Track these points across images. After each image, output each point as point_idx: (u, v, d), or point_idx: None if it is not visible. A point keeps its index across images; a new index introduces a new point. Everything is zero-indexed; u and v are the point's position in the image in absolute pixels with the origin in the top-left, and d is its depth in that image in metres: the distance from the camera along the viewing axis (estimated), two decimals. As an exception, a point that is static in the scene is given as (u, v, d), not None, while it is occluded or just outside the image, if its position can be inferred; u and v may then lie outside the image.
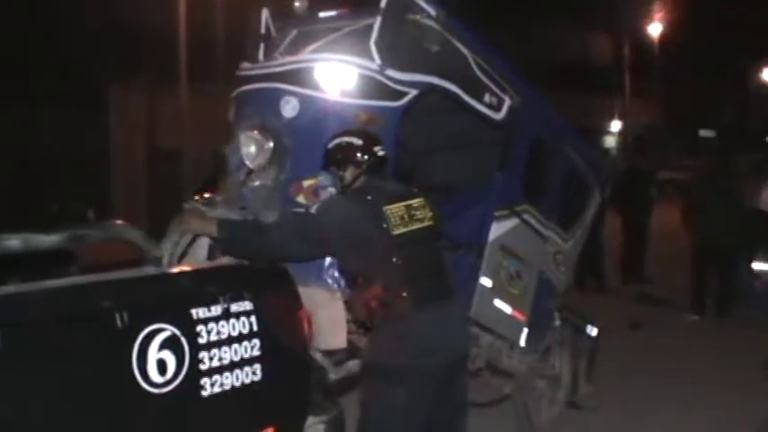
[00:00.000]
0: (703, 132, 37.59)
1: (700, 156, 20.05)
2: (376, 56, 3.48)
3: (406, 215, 3.10)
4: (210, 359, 2.86)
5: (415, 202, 3.17)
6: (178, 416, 2.77)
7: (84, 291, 2.76)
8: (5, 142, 13.73)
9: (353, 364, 3.50)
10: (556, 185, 4.77)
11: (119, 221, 3.24)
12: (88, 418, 2.53)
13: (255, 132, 3.56)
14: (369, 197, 3.11)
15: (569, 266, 5.11)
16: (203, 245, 3.61)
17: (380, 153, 3.25)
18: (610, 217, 9.19)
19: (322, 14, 4.04)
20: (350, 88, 3.51)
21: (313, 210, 3.22)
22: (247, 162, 3.59)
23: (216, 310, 2.91)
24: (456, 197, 4.26)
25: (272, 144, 3.53)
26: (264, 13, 4.00)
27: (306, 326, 3.29)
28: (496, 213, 4.19)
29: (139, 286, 2.91)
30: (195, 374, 2.80)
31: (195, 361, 2.80)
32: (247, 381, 2.98)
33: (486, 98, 3.96)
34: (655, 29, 31.25)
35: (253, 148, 3.56)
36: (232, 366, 2.93)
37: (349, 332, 3.47)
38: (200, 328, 2.84)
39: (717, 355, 6.49)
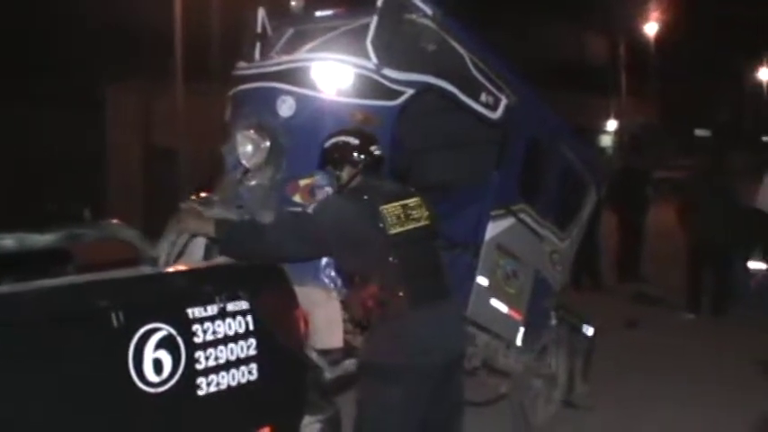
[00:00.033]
0: (699, 131, 37.73)
1: (695, 155, 20.13)
2: (372, 55, 3.48)
3: (402, 215, 3.09)
4: (207, 359, 2.85)
5: (412, 201, 3.17)
6: (174, 415, 2.77)
7: (80, 290, 2.76)
8: (5, 142, 13.70)
9: (350, 364, 3.49)
10: (552, 185, 4.78)
11: (114, 221, 3.21)
12: (84, 418, 2.52)
13: (252, 132, 3.55)
14: (365, 197, 3.10)
15: (565, 265, 5.12)
16: (200, 244, 3.60)
17: (377, 152, 3.25)
18: (606, 216, 9.18)
19: (318, 13, 4.04)
20: (346, 87, 3.51)
21: (309, 209, 3.21)
22: (244, 161, 3.59)
23: (212, 309, 2.90)
24: (452, 196, 4.25)
25: (268, 143, 3.53)
26: (260, 13, 3.98)
27: (302, 325, 3.28)
28: (493, 213, 4.19)
29: (135, 286, 2.90)
30: (191, 374, 2.79)
31: (191, 360, 2.79)
32: (244, 380, 2.97)
33: (483, 97, 3.96)
34: (651, 28, 31.33)
35: (249, 148, 3.55)
36: (228, 366, 2.92)
37: (345, 331, 3.47)
38: (196, 327, 2.84)
39: (712, 354, 6.50)
